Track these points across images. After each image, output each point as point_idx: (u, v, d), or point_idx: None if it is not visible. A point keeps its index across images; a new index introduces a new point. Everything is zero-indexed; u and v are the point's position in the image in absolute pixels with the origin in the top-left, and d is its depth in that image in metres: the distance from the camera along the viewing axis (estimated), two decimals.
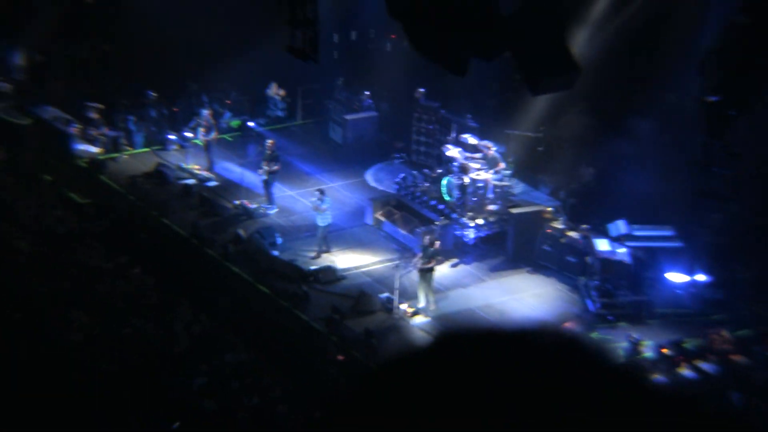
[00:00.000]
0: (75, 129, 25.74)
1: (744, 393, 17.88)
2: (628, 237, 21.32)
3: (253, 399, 18.56)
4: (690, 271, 20.66)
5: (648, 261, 20.97)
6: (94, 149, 25.86)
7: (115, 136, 26.34)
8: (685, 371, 18.69)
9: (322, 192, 22.84)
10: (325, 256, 22.55)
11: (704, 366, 18.72)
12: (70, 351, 18.86)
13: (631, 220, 21.62)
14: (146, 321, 20.20)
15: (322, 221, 22.65)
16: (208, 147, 25.81)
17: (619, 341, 19.90)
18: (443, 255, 22.04)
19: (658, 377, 18.47)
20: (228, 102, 28.44)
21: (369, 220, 24.03)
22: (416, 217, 23.56)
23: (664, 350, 19.09)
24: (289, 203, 24.40)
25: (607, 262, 20.89)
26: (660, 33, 23.36)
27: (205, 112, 26.13)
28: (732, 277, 20.82)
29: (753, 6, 18.14)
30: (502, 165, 23.58)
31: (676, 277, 20.60)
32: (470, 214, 23.26)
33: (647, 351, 19.26)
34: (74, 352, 18.84)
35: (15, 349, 18.66)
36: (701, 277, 20.62)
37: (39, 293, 20.26)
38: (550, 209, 23.35)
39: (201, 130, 25.92)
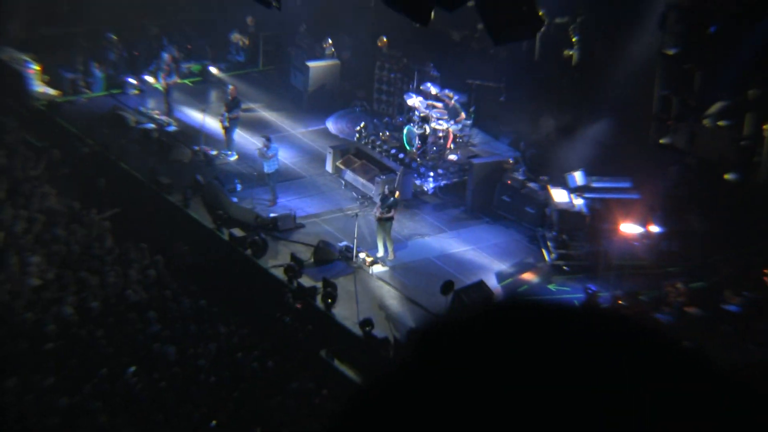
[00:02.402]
0: (31, 70, 25.39)
1: (696, 344, 18.13)
2: (586, 188, 21.42)
3: (210, 345, 18.56)
4: (645, 223, 20.82)
5: (605, 212, 21.10)
6: (52, 91, 25.53)
7: (73, 78, 26.01)
8: None
9: (268, 139, 22.71)
10: (283, 203, 22.48)
11: (659, 317, 18.95)
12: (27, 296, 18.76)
13: (590, 172, 21.72)
14: (103, 266, 20.10)
15: (268, 168, 22.55)
16: (168, 91, 25.55)
17: (575, 292, 20.10)
18: (402, 204, 22.08)
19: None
20: (189, 47, 28.12)
21: (329, 168, 23.97)
22: (376, 165, 23.52)
23: (619, 301, 19.29)
24: (249, 150, 24.24)
25: (565, 213, 21.00)
26: None
27: (166, 55, 25.81)
28: (687, 229, 21.00)
29: None
30: (463, 115, 23.59)
31: (631, 228, 20.76)
32: (430, 163, 23.29)
33: (602, 302, 19.44)
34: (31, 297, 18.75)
35: None
36: (656, 229, 20.80)
37: None
38: (510, 160, 23.42)
39: (161, 74, 25.64)
